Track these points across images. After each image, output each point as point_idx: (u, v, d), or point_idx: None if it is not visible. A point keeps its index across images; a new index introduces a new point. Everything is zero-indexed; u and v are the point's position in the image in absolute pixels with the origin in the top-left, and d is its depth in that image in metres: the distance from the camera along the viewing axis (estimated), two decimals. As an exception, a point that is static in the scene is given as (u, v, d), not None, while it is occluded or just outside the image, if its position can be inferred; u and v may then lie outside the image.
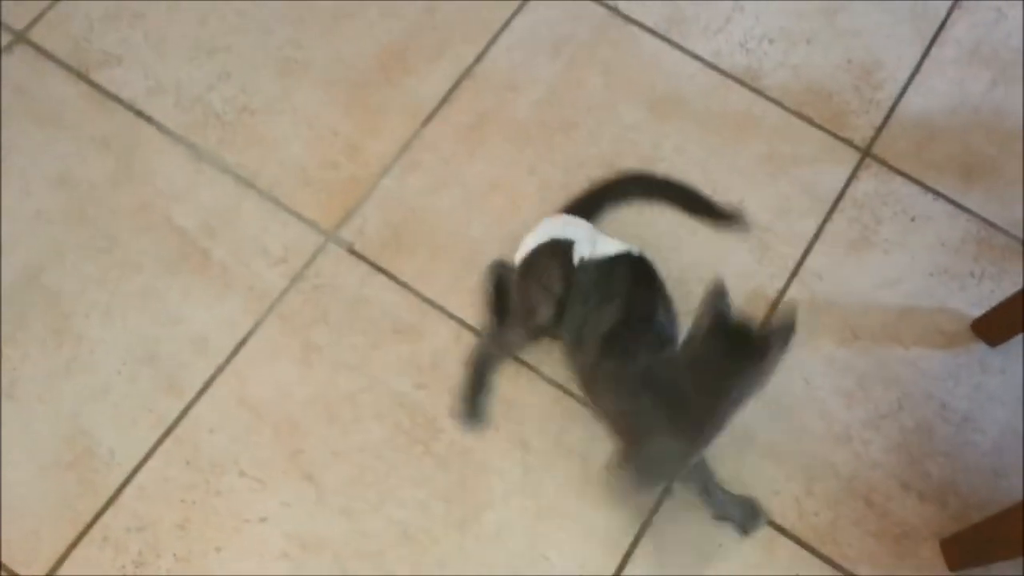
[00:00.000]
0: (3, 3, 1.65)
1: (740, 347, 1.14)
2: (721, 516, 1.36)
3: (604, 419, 1.36)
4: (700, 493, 1.36)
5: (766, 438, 1.42)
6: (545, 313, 1.34)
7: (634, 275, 1.35)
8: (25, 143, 1.56)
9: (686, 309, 1.35)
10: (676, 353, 1.27)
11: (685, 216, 1.50)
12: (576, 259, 1.34)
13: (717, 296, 1.15)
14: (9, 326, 1.44)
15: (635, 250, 1.36)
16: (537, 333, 1.38)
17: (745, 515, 1.36)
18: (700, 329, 1.17)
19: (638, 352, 1.28)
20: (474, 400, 1.40)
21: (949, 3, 1.77)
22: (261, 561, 1.32)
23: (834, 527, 1.38)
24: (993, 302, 1.49)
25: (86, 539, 1.32)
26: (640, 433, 1.27)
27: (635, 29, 1.71)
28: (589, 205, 1.45)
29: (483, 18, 1.70)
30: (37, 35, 1.64)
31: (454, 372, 1.43)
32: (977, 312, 1.51)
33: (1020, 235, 1.58)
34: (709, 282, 1.16)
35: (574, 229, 1.38)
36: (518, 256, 1.39)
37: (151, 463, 1.37)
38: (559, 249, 1.35)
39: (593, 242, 1.36)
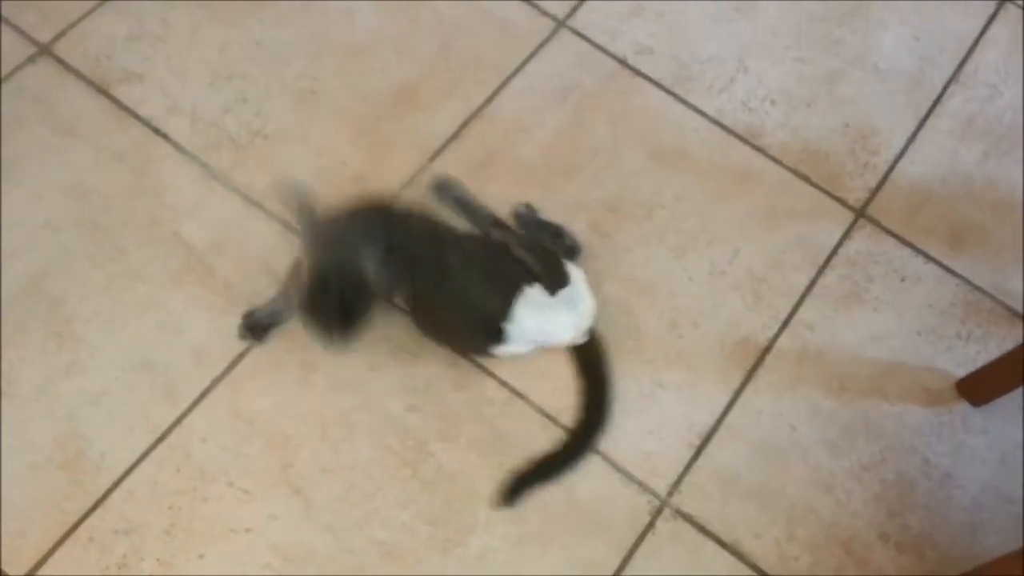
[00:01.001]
0: (29, 16, 1.70)
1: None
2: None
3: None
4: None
5: (750, 481, 1.44)
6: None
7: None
8: (41, 152, 1.60)
9: (677, 351, 1.39)
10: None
11: (672, 254, 1.54)
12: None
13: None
14: (10, 328, 1.46)
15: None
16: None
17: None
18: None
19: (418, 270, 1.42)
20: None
21: (946, 78, 1.83)
22: (244, 571, 1.33)
23: (812, 572, 1.39)
24: (978, 364, 1.52)
25: (71, 539, 1.33)
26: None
27: (643, 82, 1.77)
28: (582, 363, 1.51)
29: (495, 62, 1.75)
30: (61, 49, 1.69)
31: (447, 397, 1.46)
32: (962, 372, 1.54)
33: (1006, 301, 1.61)
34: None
35: None
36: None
37: (142, 468, 1.38)
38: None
39: None
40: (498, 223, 1.54)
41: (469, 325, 1.43)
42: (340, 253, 1.39)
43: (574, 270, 1.47)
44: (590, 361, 1.48)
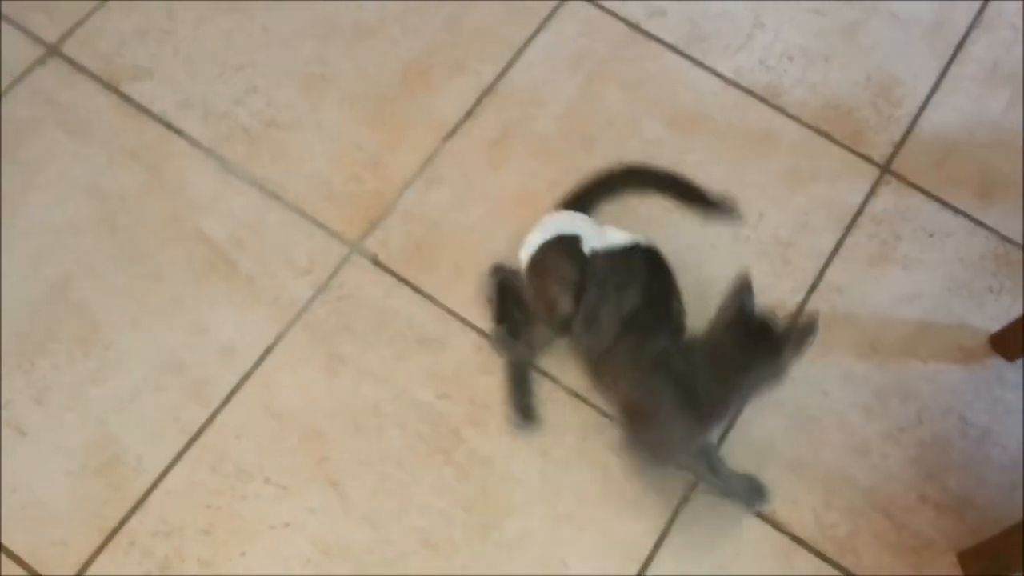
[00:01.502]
0: (36, 17, 1.69)
1: (759, 341, 1.19)
2: (726, 493, 1.38)
3: (613, 402, 1.38)
4: (706, 471, 1.38)
5: (786, 450, 1.44)
6: (566, 304, 1.35)
7: (648, 262, 1.38)
8: (57, 154, 1.59)
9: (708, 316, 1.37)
10: (693, 339, 1.30)
11: (697, 221, 1.51)
12: (586, 250, 1.36)
13: (743, 289, 1.20)
14: (39, 336, 1.47)
15: (643, 240, 1.39)
16: (562, 326, 1.38)
17: (750, 491, 1.39)
18: (723, 318, 1.22)
19: (657, 334, 1.31)
20: (522, 403, 1.43)
21: (968, 23, 1.78)
22: (285, 566, 1.34)
23: (853, 539, 1.39)
24: (1011, 317, 1.50)
25: (112, 544, 1.34)
26: (650, 413, 1.30)
27: (656, 46, 1.73)
28: (586, 199, 1.46)
29: (504, 35, 1.73)
30: (69, 49, 1.67)
31: (476, 382, 1.45)
32: (995, 327, 1.52)
33: (1038, 251, 1.59)
34: (736, 276, 1.20)
35: (578, 224, 1.40)
36: (523, 255, 1.41)
37: (177, 469, 1.39)
38: (568, 243, 1.37)
39: (600, 234, 1.38)
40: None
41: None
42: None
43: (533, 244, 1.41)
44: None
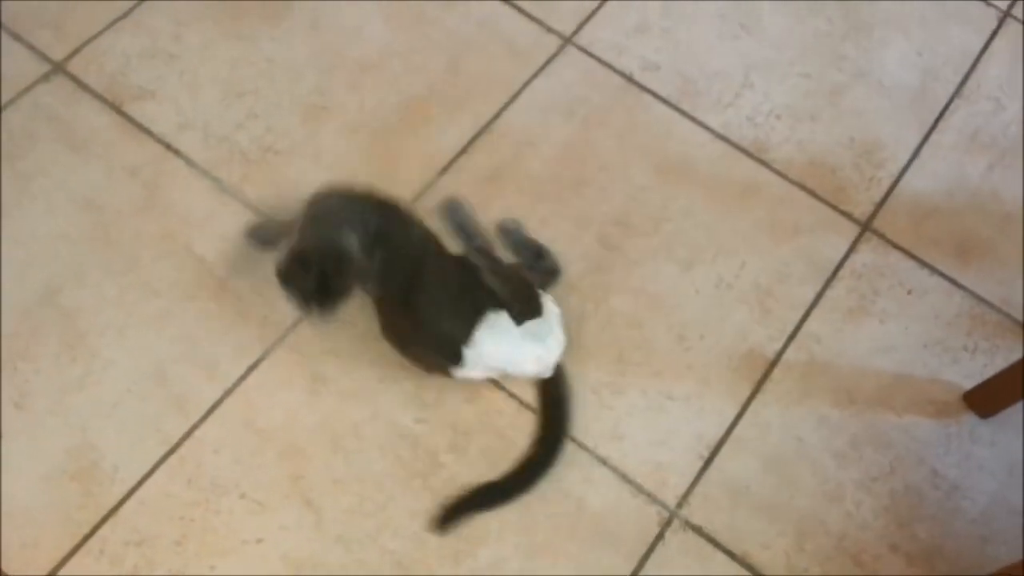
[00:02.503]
0: (43, 35, 1.73)
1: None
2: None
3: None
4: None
5: (760, 492, 1.45)
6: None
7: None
8: (54, 167, 1.61)
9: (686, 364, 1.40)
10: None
11: (678, 268, 1.55)
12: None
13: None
14: (24, 340, 1.47)
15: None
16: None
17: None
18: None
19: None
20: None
21: (950, 93, 1.84)
22: (255, 582, 1.33)
23: (823, 584, 1.40)
24: (985, 375, 1.53)
25: (83, 550, 1.34)
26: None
27: (649, 98, 1.78)
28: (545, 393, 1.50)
29: (503, 78, 1.77)
30: (75, 67, 1.71)
31: (457, 409, 1.47)
32: (969, 384, 1.55)
33: (1012, 313, 1.62)
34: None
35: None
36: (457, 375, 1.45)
37: (153, 479, 1.39)
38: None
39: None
40: (482, 249, 1.52)
41: (431, 342, 1.42)
42: (327, 230, 1.37)
43: (550, 303, 1.46)
44: (552, 399, 1.47)
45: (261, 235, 1.54)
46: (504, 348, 1.40)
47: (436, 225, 1.52)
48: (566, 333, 1.48)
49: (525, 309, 1.42)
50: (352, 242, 1.36)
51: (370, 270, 1.38)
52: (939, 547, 1.43)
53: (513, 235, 1.57)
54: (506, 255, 1.54)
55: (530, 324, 1.41)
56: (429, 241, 1.45)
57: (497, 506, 1.40)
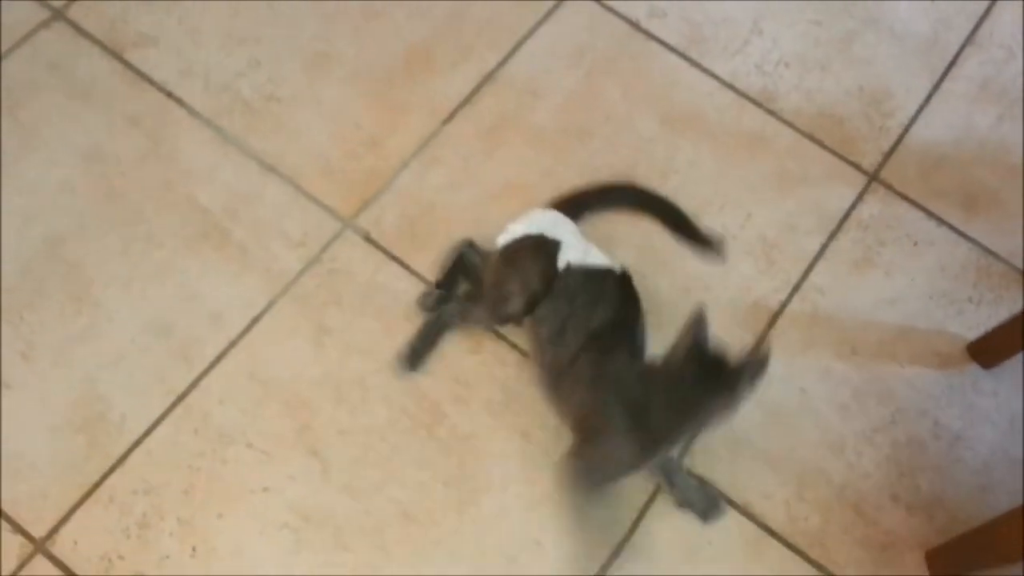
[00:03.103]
0: (44, -18, 1.71)
1: (713, 375, 1.19)
2: (683, 503, 1.40)
3: (565, 415, 1.38)
4: (665, 481, 1.40)
5: (761, 443, 1.46)
6: (516, 305, 1.37)
7: (621, 287, 1.40)
8: (56, 117, 1.61)
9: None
10: (650, 366, 1.30)
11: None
12: (561, 261, 1.37)
13: (697, 323, 1.20)
14: (29, 292, 1.48)
15: (618, 268, 1.40)
16: (502, 320, 1.42)
17: (707, 504, 1.40)
18: (679, 350, 1.21)
19: (618, 353, 1.33)
20: (419, 351, 1.45)
21: (961, 41, 1.82)
22: (262, 529, 1.35)
23: (823, 533, 1.41)
24: (990, 326, 1.53)
25: (92, 499, 1.35)
26: (599, 431, 1.30)
27: (655, 45, 1.76)
28: (579, 205, 1.46)
29: (508, 25, 1.75)
30: (75, 13, 1.69)
31: (461, 361, 1.47)
32: (973, 336, 1.55)
33: (1018, 264, 1.62)
34: (692, 310, 1.20)
35: (563, 231, 1.40)
36: (501, 240, 1.42)
37: (160, 430, 1.40)
38: (545, 247, 1.38)
39: (582, 250, 1.39)
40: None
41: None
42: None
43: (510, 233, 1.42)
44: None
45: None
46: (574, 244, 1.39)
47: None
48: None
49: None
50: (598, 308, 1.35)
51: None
52: (940, 497, 1.44)
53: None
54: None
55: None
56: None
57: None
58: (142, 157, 1.58)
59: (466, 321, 1.47)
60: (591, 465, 1.34)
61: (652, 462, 1.35)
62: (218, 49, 1.68)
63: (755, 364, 1.19)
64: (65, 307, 1.47)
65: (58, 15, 1.68)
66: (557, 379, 1.37)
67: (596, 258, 1.39)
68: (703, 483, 1.42)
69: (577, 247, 1.39)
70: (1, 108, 1.60)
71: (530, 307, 1.37)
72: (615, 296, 1.38)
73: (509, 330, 1.49)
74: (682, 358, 1.21)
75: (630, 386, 1.28)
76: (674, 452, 1.42)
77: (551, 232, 1.40)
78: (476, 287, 1.46)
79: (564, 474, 1.37)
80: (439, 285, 1.49)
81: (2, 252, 1.49)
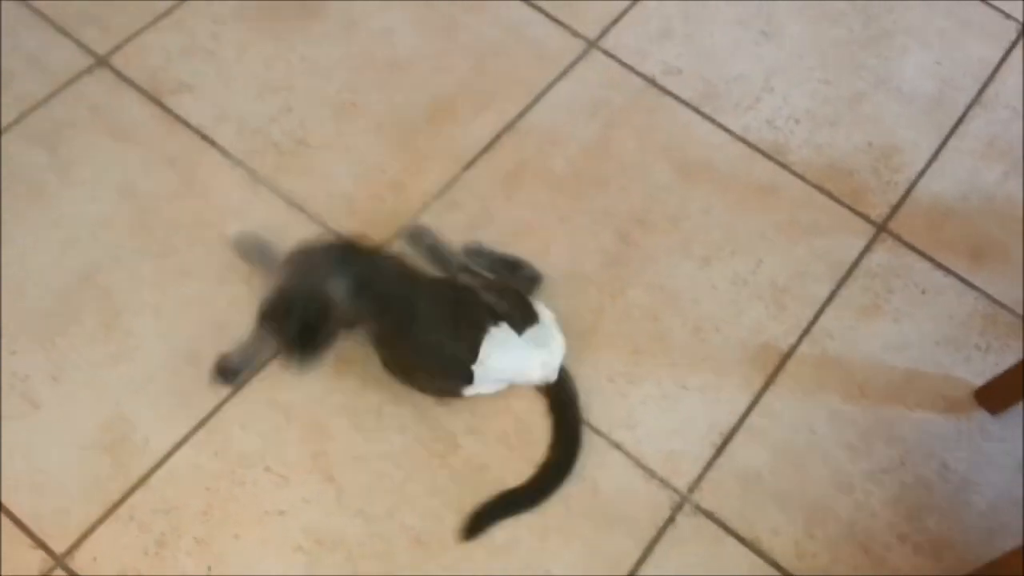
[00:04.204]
0: (88, 30, 1.80)
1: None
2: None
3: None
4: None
5: (771, 481, 1.48)
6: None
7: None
8: (96, 155, 1.68)
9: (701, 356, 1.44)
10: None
11: (697, 264, 1.61)
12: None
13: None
14: (63, 319, 1.53)
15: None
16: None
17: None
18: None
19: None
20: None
21: (968, 101, 1.88)
22: (277, 551, 1.38)
23: (831, 570, 1.42)
24: (996, 374, 1.55)
25: (113, 516, 1.39)
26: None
27: (670, 100, 1.83)
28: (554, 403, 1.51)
29: (528, 79, 1.83)
30: (117, 61, 1.78)
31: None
32: (980, 382, 1.57)
33: (1023, 313, 1.65)
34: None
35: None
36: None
37: (182, 452, 1.44)
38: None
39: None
40: (467, 268, 1.56)
41: (437, 368, 1.46)
42: (308, 279, 1.42)
43: (543, 309, 1.50)
44: (561, 400, 1.50)
45: (248, 250, 1.58)
46: (510, 358, 1.44)
47: (411, 256, 1.58)
48: (583, 324, 1.53)
49: (525, 317, 1.46)
50: (337, 290, 1.41)
51: (357, 315, 1.43)
52: (947, 539, 1.45)
53: (484, 254, 1.59)
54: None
55: (531, 331, 1.46)
56: (414, 274, 1.51)
57: (523, 511, 1.43)
58: (176, 194, 1.65)
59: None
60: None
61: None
62: (252, 96, 1.77)
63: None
64: (96, 333, 1.52)
65: (102, 62, 1.78)
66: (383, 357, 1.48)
67: (503, 363, 1.45)
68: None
69: (513, 352, 1.45)
70: (44, 146, 1.67)
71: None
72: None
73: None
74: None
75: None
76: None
77: (537, 335, 1.47)
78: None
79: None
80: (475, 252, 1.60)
81: (38, 280, 1.55)
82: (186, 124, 1.73)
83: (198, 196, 1.66)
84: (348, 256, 1.47)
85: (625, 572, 1.40)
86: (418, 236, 1.60)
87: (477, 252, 1.59)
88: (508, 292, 1.50)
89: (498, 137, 1.76)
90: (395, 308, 1.44)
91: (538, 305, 1.50)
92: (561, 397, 1.50)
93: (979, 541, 1.45)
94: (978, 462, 1.52)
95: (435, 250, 1.58)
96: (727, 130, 1.81)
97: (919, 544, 1.45)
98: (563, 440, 1.48)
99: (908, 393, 1.57)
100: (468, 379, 1.44)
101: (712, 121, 1.82)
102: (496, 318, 1.44)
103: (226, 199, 1.66)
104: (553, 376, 1.49)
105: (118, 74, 1.77)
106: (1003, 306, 1.66)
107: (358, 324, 1.45)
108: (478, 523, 1.41)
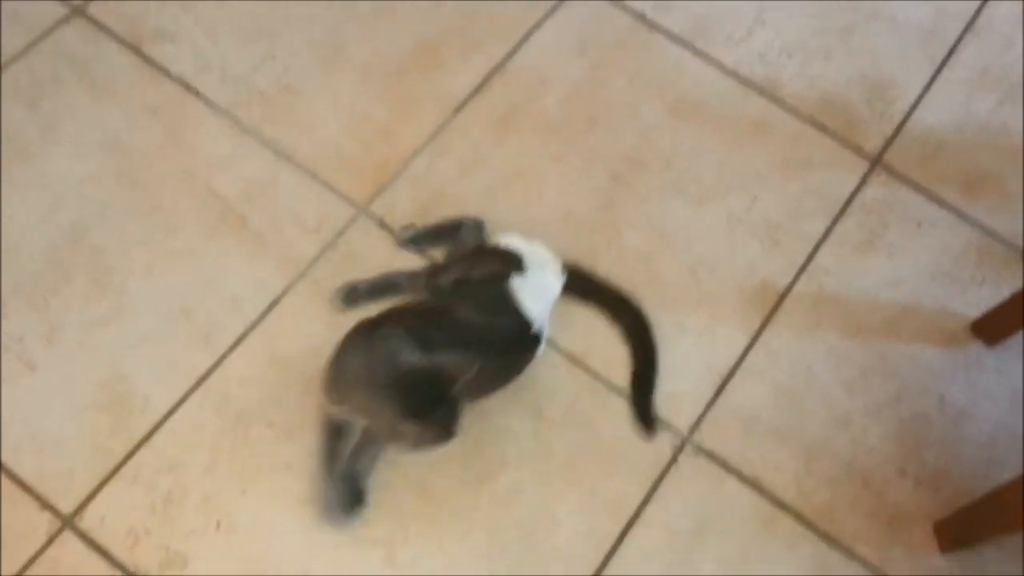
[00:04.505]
0: (64, -20, 1.75)
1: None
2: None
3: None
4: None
5: (771, 419, 1.49)
6: (447, 279, 1.46)
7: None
8: (77, 110, 1.65)
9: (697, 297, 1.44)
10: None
11: (692, 205, 1.58)
12: (512, 281, 1.43)
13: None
14: (54, 279, 1.51)
15: (538, 328, 1.44)
16: (430, 288, 1.47)
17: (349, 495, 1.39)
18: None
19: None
20: (361, 294, 1.51)
21: (960, 30, 1.86)
22: (285, 505, 1.38)
23: (832, 506, 1.44)
24: (991, 306, 1.56)
25: (117, 476, 1.39)
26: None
27: (660, 37, 1.80)
28: (583, 288, 1.54)
29: (515, 19, 1.79)
30: (94, 9, 1.73)
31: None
32: (976, 314, 1.58)
33: (1019, 244, 1.65)
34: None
35: (540, 268, 1.47)
36: (501, 240, 1.50)
37: (183, 409, 1.43)
38: (509, 261, 1.46)
39: (538, 294, 1.44)
40: (434, 272, 1.51)
41: (515, 350, 1.42)
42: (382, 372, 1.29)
43: (502, 238, 1.50)
44: (627, 313, 1.53)
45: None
46: (539, 292, 1.44)
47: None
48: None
49: (508, 261, 1.45)
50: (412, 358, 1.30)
51: (450, 366, 1.32)
52: (946, 470, 1.47)
53: (420, 237, 1.57)
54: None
55: (524, 262, 1.45)
56: (430, 306, 1.44)
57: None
58: (161, 147, 1.62)
59: (406, 291, 1.51)
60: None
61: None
62: (234, 44, 1.73)
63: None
64: (89, 292, 1.50)
65: (77, 11, 1.73)
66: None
67: (540, 302, 1.44)
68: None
69: (534, 289, 1.43)
70: (25, 102, 1.63)
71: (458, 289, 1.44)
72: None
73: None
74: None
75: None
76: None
77: (530, 260, 1.46)
78: (446, 255, 1.52)
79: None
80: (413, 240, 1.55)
81: (27, 240, 1.53)
82: (168, 74, 1.69)
83: (183, 149, 1.63)
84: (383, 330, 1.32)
85: (630, 514, 1.41)
86: (413, 237, 1.57)
87: (414, 239, 1.57)
88: (478, 255, 1.49)
89: (487, 80, 1.73)
90: (462, 342, 1.35)
91: (498, 240, 1.50)
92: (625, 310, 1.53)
93: (977, 472, 1.47)
94: (975, 394, 1.53)
95: (378, 286, 1.52)
96: (719, 65, 1.78)
97: (919, 477, 1.47)
98: (641, 347, 1.51)
99: (904, 328, 1.58)
100: (537, 339, 1.43)
101: (703, 57, 1.79)
102: (497, 279, 1.43)
103: (212, 151, 1.63)
104: (563, 273, 1.49)
105: (96, 23, 1.72)
106: (998, 238, 1.66)
107: (459, 374, 1.32)
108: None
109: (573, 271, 1.51)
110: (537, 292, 1.44)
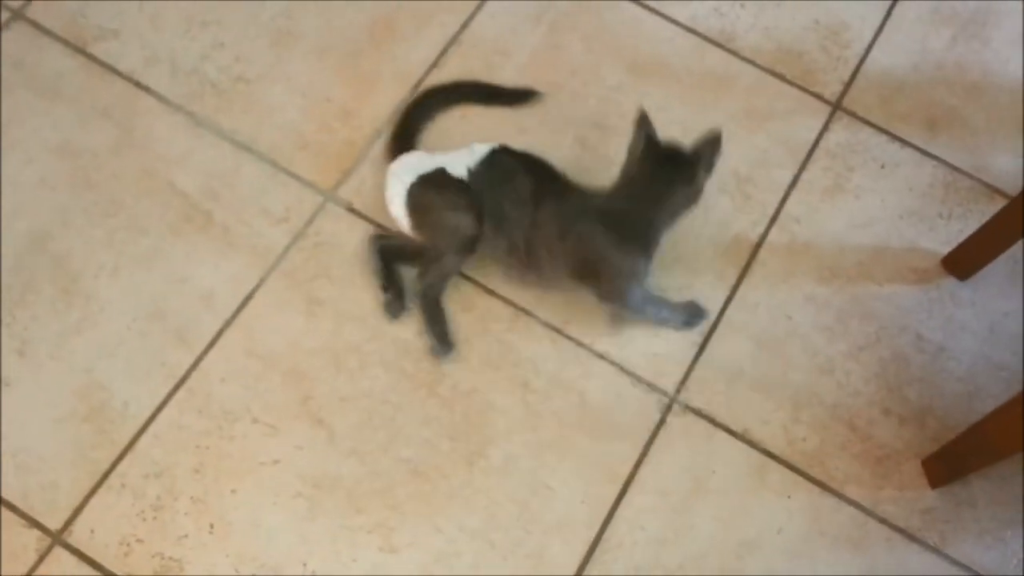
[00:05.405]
0: (-2, -18, 1.70)
1: (671, 166, 1.42)
2: (662, 320, 1.50)
3: (570, 280, 1.46)
4: (643, 303, 1.48)
5: (754, 371, 1.50)
6: (469, 225, 1.44)
7: (512, 155, 1.50)
8: (26, 115, 1.60)
9: (673, 256, 1.43)
10: (611, 185, 1.46)
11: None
12: (460, 174, 1.46)
13: (643, 123, 1.42)
14: (18, 290, 1.48)
15: (493, 145, 1.50)
16: (468, 247, 1.46)
17: (689, 313, 1.51)
18: (633, 155, 1.43)
19: (564, 198, 1.45)
20: (438, 331, 1.47)
21: (908, -33, 1.86)
22: (276, 500, 1.37)
23: (821, 451, 1.45)
24: (961, 240, 1.57)
25: (104, 487, 1.36)
26: (597, 262, 1.42)
27: (613, -4, 1.79)
28: (408, 134, 1.58)
29: (466, -12, 1.77)
30: (34, 12, 1.68)
31: (456, 319, 1.49)
32: (946, 250, 1.59)
33: (983, 178, 1.67)
34: (637, 113, 1.41)
35: (426, 161, 1.50)
36: (393, 208, 1.49)
37: (165, 413, 1.41)
38: (436, 177, 1.47)
39: (459, 158, 1.48)
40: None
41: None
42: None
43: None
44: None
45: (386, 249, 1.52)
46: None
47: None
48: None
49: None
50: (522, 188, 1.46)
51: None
52: (929, 406, 1.49)
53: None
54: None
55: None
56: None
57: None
58: (116, 147, 1.59)
59: (444, 277, 1.49)
60: (613, 295, 1.44)
61: (648, 261, 1.44)
62: (181, 34, 1.68)
63: (709, 145, 1.41)
64: (56, 301, 1.47)
65: (17, 15, 1.68)
66: (529, 254, 1.44)
67: (472, 154, 1.48)
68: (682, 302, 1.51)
69: (454, 160, 1.48)
70: (-31, 111, 1.59)
71: (479, 218, 1.44)
72: (518, 163, 1.49)
73: (498, 284, 1.51)
74: (639, 160, 1.42)
75: (598, 209, 1.43)
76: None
77: (423, 169, 1.47)
78: (418, 255, 1.49)
79: (610, 319, 1.49)
80: (385, 289, 1.50)
81: (-14, 253, 1.49)
82: (115, 72, 1.65)
83: (139, 147, 1.59)
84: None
85: (624, 477, 1.42)
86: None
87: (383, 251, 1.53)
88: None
89: (443, 52, 1.71)
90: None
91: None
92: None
93: (960, 406, 1.49)
94: (951, 329, 1.55)
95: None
96: (675, 22, 1.77)
97: (903, 416, 1.48)
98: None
99: (878, 269, 1.59)
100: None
101: (659, 14, 1.78)
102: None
103: (169, 147, 1.59)
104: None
105: (37, 26, 1.67)
106: (962, 172, 1.67)
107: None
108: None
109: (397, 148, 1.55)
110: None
